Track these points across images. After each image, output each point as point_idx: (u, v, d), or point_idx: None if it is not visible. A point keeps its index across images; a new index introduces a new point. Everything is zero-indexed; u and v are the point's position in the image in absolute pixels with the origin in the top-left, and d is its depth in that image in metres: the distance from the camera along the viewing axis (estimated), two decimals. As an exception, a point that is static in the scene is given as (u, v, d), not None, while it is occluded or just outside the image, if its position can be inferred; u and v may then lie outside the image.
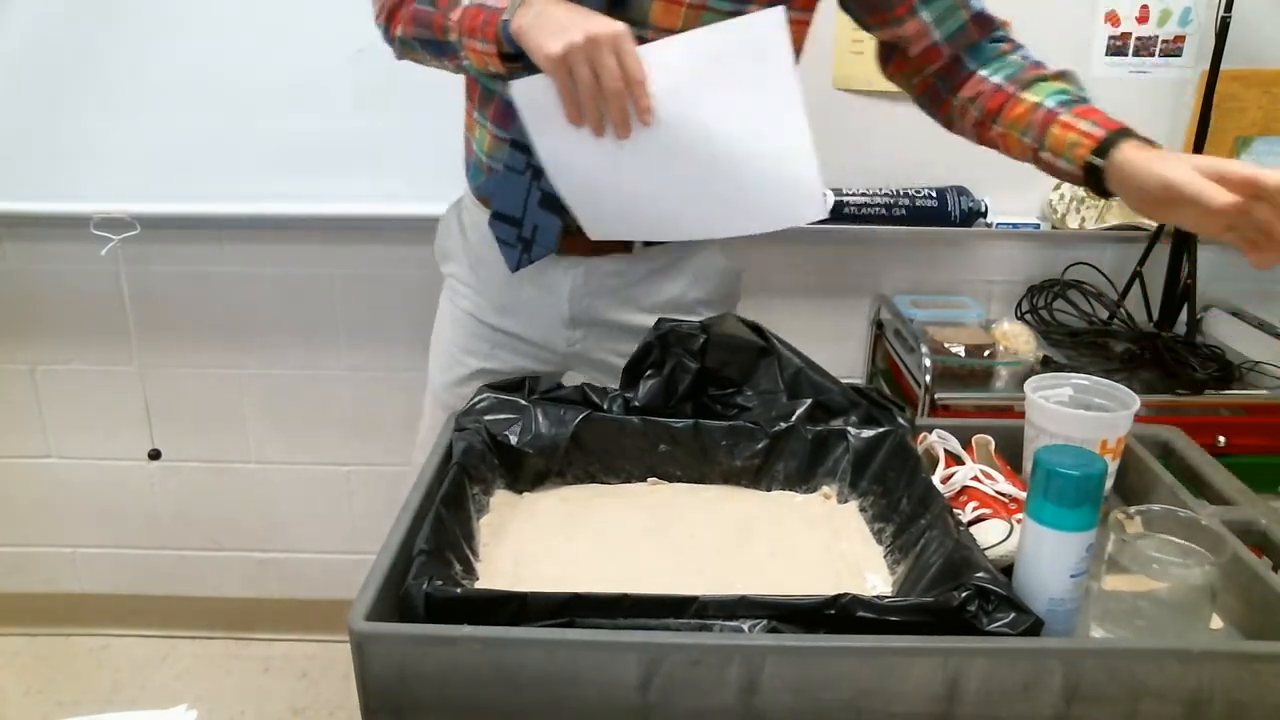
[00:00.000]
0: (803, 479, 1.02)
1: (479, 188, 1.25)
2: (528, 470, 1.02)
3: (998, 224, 1.84)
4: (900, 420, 1.02)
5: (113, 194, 1.75)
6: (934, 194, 1.80)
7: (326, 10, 1.66)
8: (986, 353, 1.67)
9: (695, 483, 1.04)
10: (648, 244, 1.22)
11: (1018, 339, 1.69)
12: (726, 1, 1.06)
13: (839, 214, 1.78)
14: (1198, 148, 1.70)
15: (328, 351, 2.00)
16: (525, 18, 0.98)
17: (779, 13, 0.97)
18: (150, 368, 2.01)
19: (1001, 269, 1.91)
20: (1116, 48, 1.76)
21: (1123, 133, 1.03)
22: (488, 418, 1.01)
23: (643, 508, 1.00)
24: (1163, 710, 0.72)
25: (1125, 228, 1.83)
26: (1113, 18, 1.75)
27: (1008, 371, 1.66)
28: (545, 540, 0.93)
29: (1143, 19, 1.75)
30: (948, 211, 1.79)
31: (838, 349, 1.97)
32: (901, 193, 1.79)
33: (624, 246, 1.22)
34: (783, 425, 1.02)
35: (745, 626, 0.73)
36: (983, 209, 1.81)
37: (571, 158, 1.07)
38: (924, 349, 1.62)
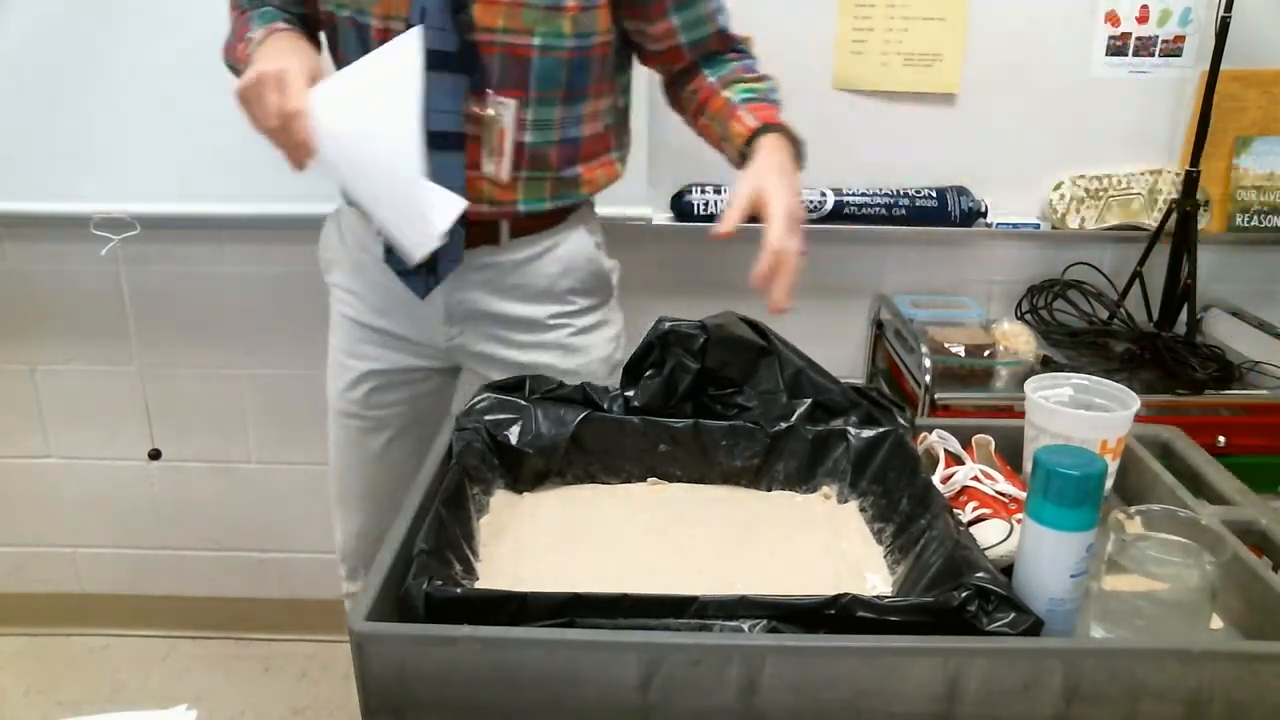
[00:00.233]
0: (803, 479, 1.02)
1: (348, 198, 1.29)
2: (528, 470, 1.02)
3: (998, 224, 1.84)
4: (900, 420, 1.02)
5: (113, 194, 1.75)
6: (934, 194, 1.80)
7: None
8: (986, 353, 1.67)
9: (695, 483, 1.04)
10: (514, 235, 1.26)
11: (1018, 339, 1.69)
12: None
13: (839, 214, 1.78)
14: (1197, 148, 1.70)
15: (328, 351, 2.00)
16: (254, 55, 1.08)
17: (413, 36, 0.99)
18: (150, 368, 2.01)
19: (1001, 269, 1.91)
20: (1116, 48, 1.76)
21: (766, 128, 1.16)
22: (488, 418, 1.01)
23: (643, 508, 1.00)
24: (1163, 710, 0.72)
25: (1125, 228, 1.83)
26: (1113, 18, 1.75)
27: (1008, 371, 1.66)
28: (545, 540, 0.93)
29: (1143, 19, 1.75)
30: (948, 211, 1.79)
31: (838, 349, 1.96)
32: (901, 193, 1.79)
33: (492, 238, 1.25)
34: (783, 425, 1.02)
35: (745, 626, 0.73)
36: (983, 209, 1.81)
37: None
38: (924, 349, 1.62)
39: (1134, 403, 0.99)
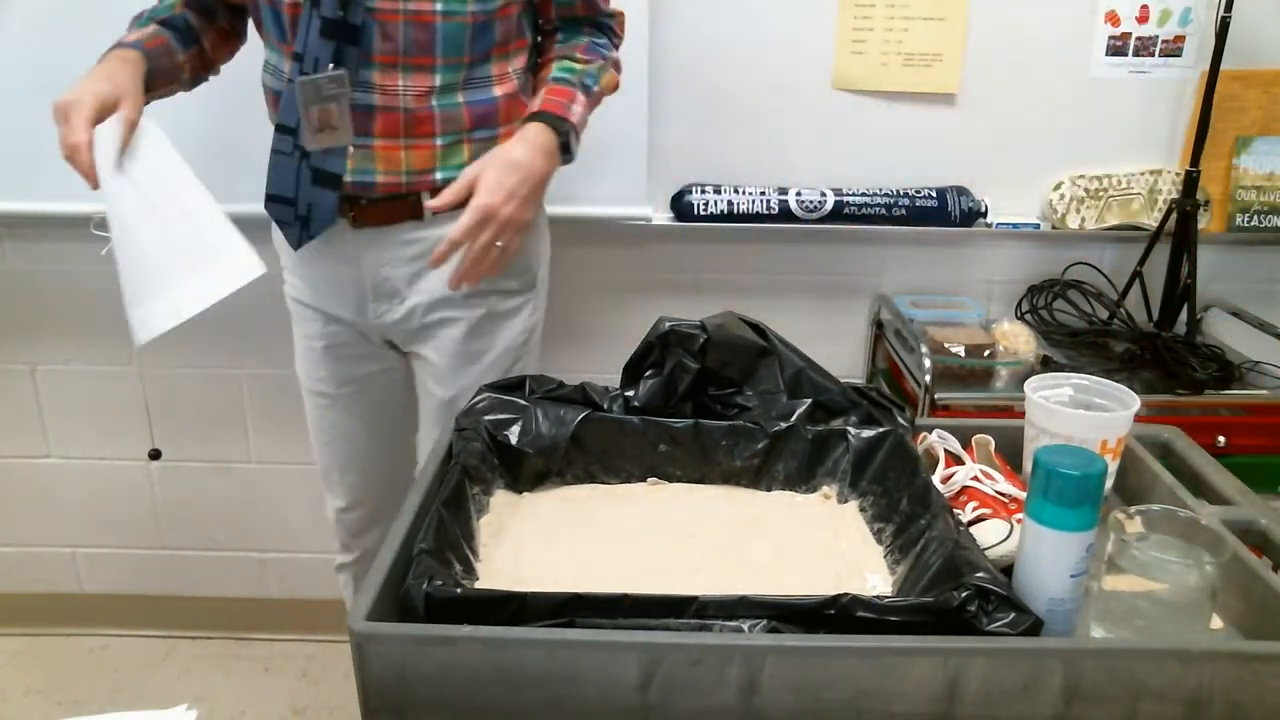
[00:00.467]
0: (803, 479, 1.02)
1: None
2: (528, 470, 1.02)
3: (998, 224, 1.84)
4: (900, 420, 1.02)
5: (113, 194, 1.74)
6: (934, 194, 1.80)
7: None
8: (986, 353, 1.67)
9: (695, 483, 1.04)
10: (438, 212, 1.27)
11: (1018, 339, 1.69)
12: None
13: (839, 214, 1.78)
14: (1197, 148, 1.70)
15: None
16: None
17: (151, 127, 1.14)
18: (150, 368, 2.01)
19: (1001, 269, 1.91)
20: (1116, 48, 1.76)
21: (538, 115, 1.22)
22: (488, 418, 1.01)
23: (643, 508, 1.00)
24: (1163, 710, 0.72)
25: (1125, 228, 1.83)
26: (1113, 18, 1.75)
27: (1008, 371, 1.66)
28: (545, 540, 0.93)
29: (1143, 19, 1.75)
30: (948, 211, 1.79)
31: (838, 349, 1.96)
32: (901, 193, 1.79)
33: (416, 214, 1.27)
34: (783, 425, 1.02)
35: (745, 626, 0.73)
36: (983, 209, 1.81)
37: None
38: (924, 349, 1.62)
39: (1134, 403, 0.99)
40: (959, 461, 1.02)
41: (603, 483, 1.04)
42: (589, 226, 1.80)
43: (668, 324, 1.05)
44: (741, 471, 1.03)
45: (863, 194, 1.79)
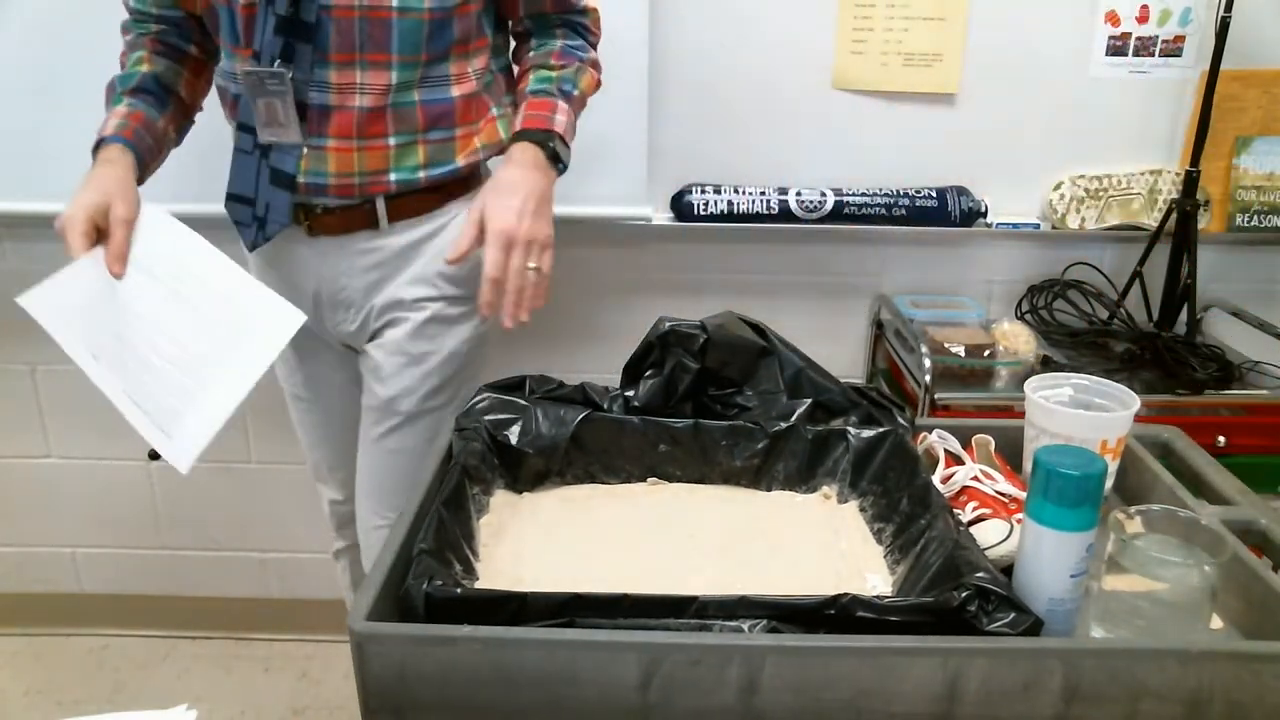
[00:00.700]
0: (803, 479, 1.02)
1: None
2: (528, 470, 1.02)
3: (998, 224, 1.84)
4: (900, 420, 1.02)
5: (113, 194, 1.74)
6: (934, 194, 1.80)
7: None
8: (986, 353, 1.67)
9: (695, 483, 1.04)
10: (393, 220, 1.27)
11: (1018, 339, 1.69)
12: None
13: (839, 214, 1.78)
14: (1197, 148, 1.70)
15: (328, 351, 2.00)
16: None
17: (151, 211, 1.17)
18: (150, 368, 2.01)
19: (1001, 269, 1.91)
20: (1116, 48, 1.76)
21: (520, 134, 1.22)
22: (488, 418, 1.01)
23: (643, 508, 1.00)
24: (1163, 710, 0.72)
25: (1125, 228, 1.83)
26: (1113, 18, 1.75)
27: (1008, 371, 1.66)
28: (545, 540, 0.93)
29: (1143, 19, 1.75)
30: (948, 211, 1.79)
31: (838, 349, 1.96)
32: (901, 193, 1.79)
33: (371, 223, 1.26)
34: (783, 425, 1.02)
35: (745, 626, 0.73)
36: (983, 209, 1.81)
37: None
38: (924, 349, 1.62)
39: (1134, 403, 0.99)
40: (959, 461, 1.02)
41: (603, 483, 1.04)
42: (589, 226, 1.80)
43: (668, 324, 1.05)
44: (741, 471, 1.03)
45: (863, 194, 1.79)
